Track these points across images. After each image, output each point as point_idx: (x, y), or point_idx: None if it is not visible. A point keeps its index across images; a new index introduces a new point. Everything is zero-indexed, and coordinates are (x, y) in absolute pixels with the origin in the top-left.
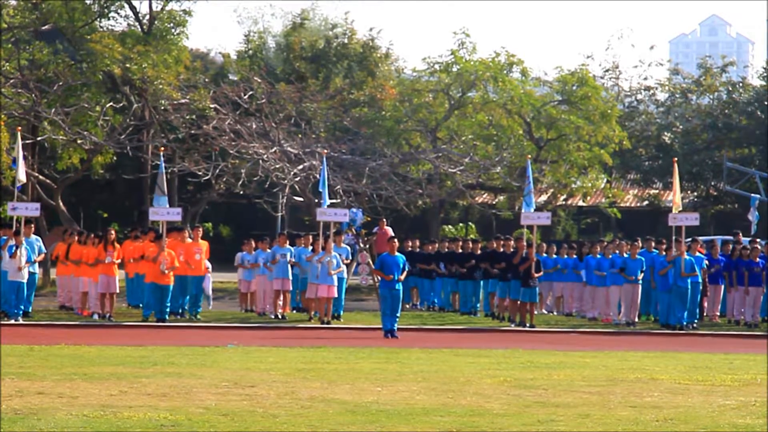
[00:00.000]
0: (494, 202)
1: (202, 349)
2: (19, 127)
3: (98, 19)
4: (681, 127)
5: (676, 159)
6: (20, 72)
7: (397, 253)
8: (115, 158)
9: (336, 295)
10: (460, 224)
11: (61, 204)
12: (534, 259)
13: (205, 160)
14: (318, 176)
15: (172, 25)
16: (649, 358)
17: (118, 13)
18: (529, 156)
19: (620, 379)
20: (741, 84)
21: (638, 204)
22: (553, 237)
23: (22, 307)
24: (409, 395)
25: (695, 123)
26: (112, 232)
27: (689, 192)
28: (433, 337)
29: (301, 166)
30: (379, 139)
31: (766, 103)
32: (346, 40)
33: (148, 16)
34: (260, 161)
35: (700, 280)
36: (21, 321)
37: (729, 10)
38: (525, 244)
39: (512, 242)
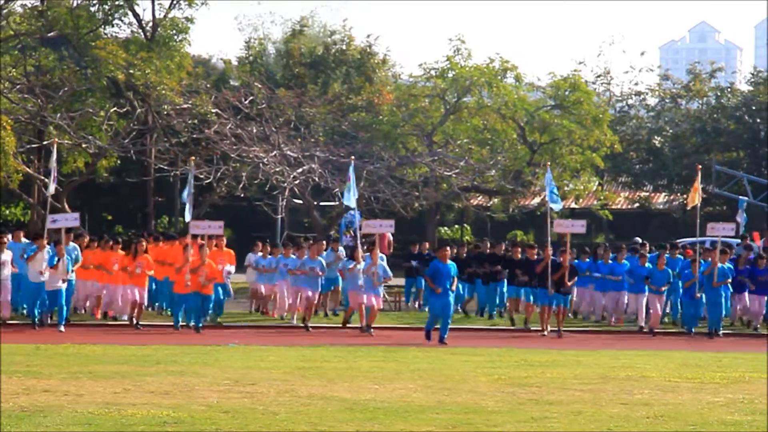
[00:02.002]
0: (489, 205)
1: (204, 348)
2: (56, 140)
3: (102, 26)
4: (671, 131)
5: (700, 166)
6: (27, 78)
7: (449, 261)
8: (119, 162)
9: (381, 306)
10: (456, 226)
11: (66, 207)
12: (568, 266)
13: (207, 163)
14: (317, 179)
15: (174, 32)
16: (640, 357)
17: (122, 21)
18: (549, 164)
19: (612, 377)
20: (729, 89)
21: (629, 206)
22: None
23: (65, 315)
24: (405, 393)
25: (685, 127)
26: (143, 242)
27: (679, 194)
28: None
29: (300, 170)
30: (377, 143)
31: (753, 108)
32: (344, 47)
33: (151, 23)
34: (260, 165)
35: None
36: (63, 329)
37: (718, 18)
38: (550, 251)
39: (535, 249)
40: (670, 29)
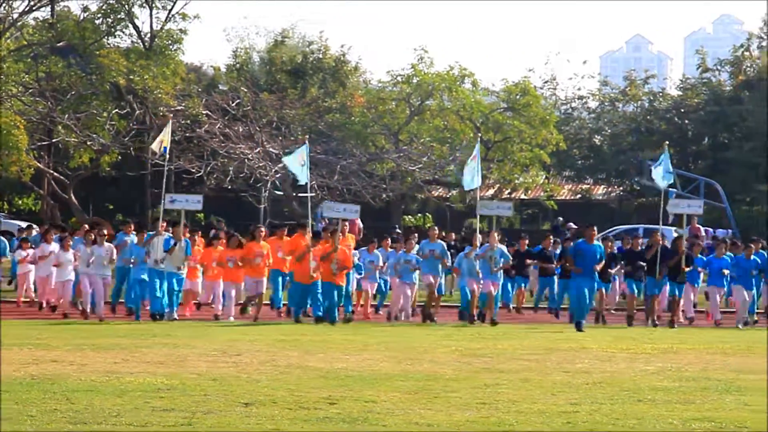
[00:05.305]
0: (448, 196)
1: (196, 323)
2: (172, 116)
3: (106, 37)
4: (609, 131)
5: None
6: (38, 83)
7: (595, 242)
8: (119, 158)
9: (498, 291)
10: (419, 215)
11: (73, 197)
12: (684, 251)
13: (198, 159)
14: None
15: (170, 42)
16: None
17: (123, 32)
18: (666, 142)
19: (556, 348)
20: (661, 94)
21: (572, 197)
22: (500, 226)
23: (168, 306)
24: (373, 363)
25: (621, 127)
26: (262, 229)
27: (616, 186)
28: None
29: (281, 164)
30: (349, 141)
31: (682, 110)
32: (320, 56)
33: (149, 35)
34: (246, 160)
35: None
36: (176, 316)
37: (651, 31)
38: (660, 237)
39: (639, 240)
40: (608, 41)
